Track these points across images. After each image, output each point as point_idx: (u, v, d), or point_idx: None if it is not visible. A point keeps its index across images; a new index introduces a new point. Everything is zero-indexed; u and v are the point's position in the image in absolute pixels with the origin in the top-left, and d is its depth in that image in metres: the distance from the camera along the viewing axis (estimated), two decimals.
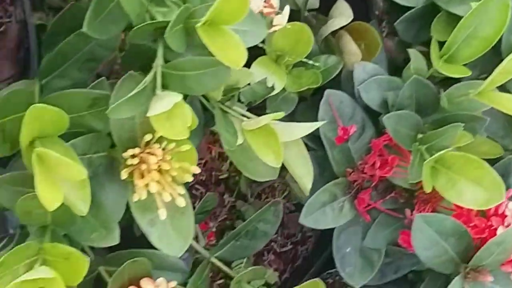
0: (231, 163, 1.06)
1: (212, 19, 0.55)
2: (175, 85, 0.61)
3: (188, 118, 0.59)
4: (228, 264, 0.87)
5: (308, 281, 0.77)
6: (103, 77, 0.69)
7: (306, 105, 0.90)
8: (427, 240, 0.74)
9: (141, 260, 0.71)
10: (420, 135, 0.78)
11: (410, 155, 0.79)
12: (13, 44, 0.85)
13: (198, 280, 0.82)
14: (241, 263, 1.02)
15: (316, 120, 0.84)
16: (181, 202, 0.63)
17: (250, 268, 0.80)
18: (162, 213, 0.63)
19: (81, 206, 0.61)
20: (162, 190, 0.62)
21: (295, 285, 1.07)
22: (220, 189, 1.06)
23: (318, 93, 0.88)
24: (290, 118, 0.84)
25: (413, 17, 0.85)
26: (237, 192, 1.07)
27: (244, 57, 0.56)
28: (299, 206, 1.10)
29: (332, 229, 0.86)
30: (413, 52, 0.80)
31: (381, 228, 0.84)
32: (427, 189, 0.70)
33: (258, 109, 0.81)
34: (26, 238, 0.76)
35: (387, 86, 0.83)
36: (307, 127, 0.72)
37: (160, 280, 0.72)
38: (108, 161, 0.70)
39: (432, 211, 0.80)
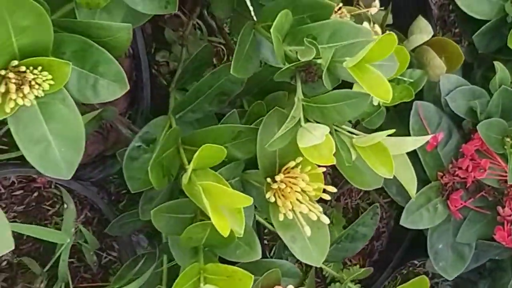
0: None
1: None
2: (316, 116, 0.68)
3: (333, 146, 0.67)
4: None
5: (416, 278, 0.85)
6: (234, 110, 0.76)
7: (390, 116, 0.97)
8: None
9: (276, 270, 0.78)
10: (507, 139, 0.86)
11: (498, 157, 0.87)
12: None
13: (310, 283, 0.90)
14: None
15: (401, 129, 0.92)
16: (325, 219, 0.70)
17: (364, 269, 0.87)
18: (307, 231, 0.70)
19: (238, 229, 0.68)
20: (309, 211, 0.69)
21: (376, 279, 1.15)
22: None
23: (399, 104, 0.95)
24: (378, 129, 0.92)
25: (487, 30, 0.92)
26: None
27: (390, 90, 0.63)
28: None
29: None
30: (498, 64, 0.88)
31: (471, 225, 0.92)
32: None
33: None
34: (156, 258, 0.84)
35: (470, 95, 0.90)
36: (415, 141, 0.79)
37: (290, 287, 0.79)
38: (240, 185, 0.77)
39: None
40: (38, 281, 0.84)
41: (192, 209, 0.75)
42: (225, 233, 0.64)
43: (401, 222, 0.89)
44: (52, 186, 0.86)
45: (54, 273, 0.86)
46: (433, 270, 1.05)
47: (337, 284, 1.08)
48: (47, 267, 0.83)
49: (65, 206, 0.80)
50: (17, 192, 0.86)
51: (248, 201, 0.65)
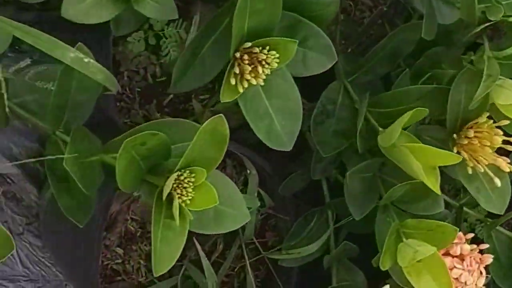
0: None
1: None
2: (503, 73, 0.71)
3: None
4: None
5: None
6: (406, 69, 0.79)
7: None
8: None
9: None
10: None
11: None
12: None
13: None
14: None
15: None
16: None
17: None
18: (497, 182, 0.74)
19: (436, 185, 0.71)
20: (504, 164, 0.72)
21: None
22: None
23: None
24: None
25: None
26: None
27: None
28: None
29: None
30: None
31: None
32: None
33: None
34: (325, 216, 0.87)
35: None
36: None
37: (460, 233, 0.83)
38: None
39: None
40: (209, 244, 0.88)
41: (373, 168, 0.78)
42: (438, 191, 0.68)
43: None
44: None
45: (223, 235, 0.90)
46: None
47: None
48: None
49: (248, 172, 0.83)
50: None
51: (459, 158, 0.68)
